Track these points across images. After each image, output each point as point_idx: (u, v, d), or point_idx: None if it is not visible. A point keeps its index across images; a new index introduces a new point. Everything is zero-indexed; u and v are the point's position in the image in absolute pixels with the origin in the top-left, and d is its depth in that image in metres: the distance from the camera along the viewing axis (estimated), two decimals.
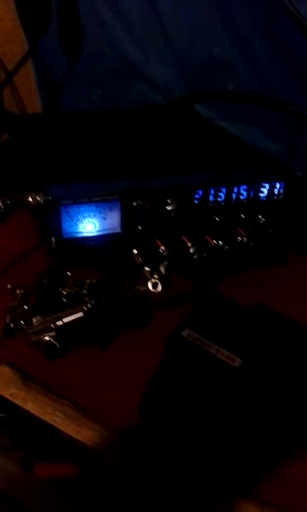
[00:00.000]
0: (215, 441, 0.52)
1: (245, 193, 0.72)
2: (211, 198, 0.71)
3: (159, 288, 0.61)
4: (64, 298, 0.61)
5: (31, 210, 0.75)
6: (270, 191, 0.74)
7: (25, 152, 0.83)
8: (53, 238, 0.65)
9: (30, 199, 0.64)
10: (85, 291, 0.61)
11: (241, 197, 0.73)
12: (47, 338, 0.57)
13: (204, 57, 0.97)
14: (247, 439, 0.52)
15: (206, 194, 0.70)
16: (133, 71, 1.05)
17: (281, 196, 0.74)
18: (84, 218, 0.65)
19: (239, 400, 0.52)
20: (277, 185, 0.73)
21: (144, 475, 0.52)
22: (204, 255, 0.68)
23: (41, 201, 0.64)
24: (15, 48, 1.04)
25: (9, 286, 0.61)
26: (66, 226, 0.64)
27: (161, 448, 0.53)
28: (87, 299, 0.59)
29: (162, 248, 0.67)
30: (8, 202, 0.63)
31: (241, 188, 0.71)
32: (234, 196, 0.72)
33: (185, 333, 0.56)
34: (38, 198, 0.64)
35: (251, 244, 0.71)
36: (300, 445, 0.54)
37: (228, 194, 0.71)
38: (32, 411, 0.56)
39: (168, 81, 1.04)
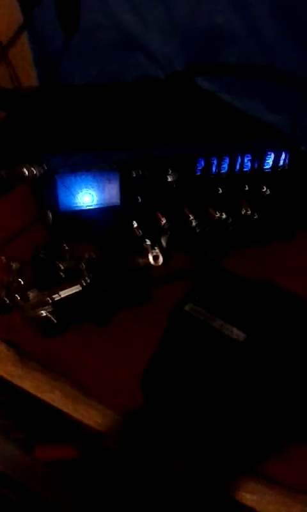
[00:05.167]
0: (219, 418, 0.50)
1: (249, 163, 0.70)
2: (214, 168, 0.68)
3: (160, 261, 0.59)
4: (62, 272, 0.59)
5: (28, 185, 0.73)
6: (275, 161, 0.71)
7: (21, 125, 0.80)
8: (49, 210, 0.63)
9: (25, 170, 0.62)
10: (83, 265, 0.59)
11: (245, 167, 0.70)
12: (43, 313, 0.55)
13: (206, 28, 0.94)
14: (252, 415, 0.50)
15: (208, 165, 0.67)
16: (132, 43, 1.01)
17: (286, 167, 0.72)
18: (81, 189, 0.62)
19: (244, 376, 0.50)
20: (283, 155, 0.71)
21: (146, 455, 0.50)
22: (207, 228, 0.66)
23: (37, 173, 0.61)
24: (9, 20, 1.01)
25: (3, 259, 0.59)
26: (63, 198, 0.62)
27: (163, 426, 0.51)
28: (85, 273, 0.57)
29: (163, 220, 0.65)
30: (3, 175, 0.62)
31: (245, 158, 0.69)
32: (238, 166, 0.69)
33: (188, 307, 0.54)
34: (33, 169, 0.62)
35: (255, 216, 0.69)
36: None
37: (232, 165, 0.69)
38: (29, 390, 0.55)
39: (168, 53, 1.00)
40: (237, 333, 0.51)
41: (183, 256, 0.69)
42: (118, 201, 0.65)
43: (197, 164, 0.67)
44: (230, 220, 0.68)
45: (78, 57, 1.05)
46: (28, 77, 1.09)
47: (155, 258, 0.60)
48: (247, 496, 0.47)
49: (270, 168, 0.72)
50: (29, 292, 0.56)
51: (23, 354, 0.57)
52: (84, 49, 1.04)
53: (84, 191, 0.63)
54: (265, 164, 0.71)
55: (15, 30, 1.01)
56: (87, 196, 0.63)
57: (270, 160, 0.71)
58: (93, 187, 0.63)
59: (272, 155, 0.71)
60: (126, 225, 0.66)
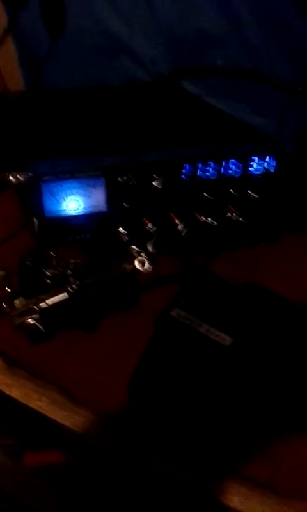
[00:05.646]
0: (205, 422, 0.50)
1: (234, 168, 0.70)
2: (199, 172, 0.68)
3: (147, 266, 0.59)
4: (48, 279, 0.59)
5: (14, 191, 0.73)
6: (261, 164, 0.71)
7: (6, 130, 0.80)
8: (35, 217, 0.63)
9: (11, 178, 0.62)
10: (70, 272, 0.59)
11: (230, 172, 0.70)
12: (30, 321, 0.55)
13: (192, 31, 0.94)
14: (237, 419, 0.51)
15: (194, 169, 0.68)
16: (118, 47, 1.01)
17: (272, 170, 0.72)
18: (67, 196, 0.62)
19: (230, 380, 0.51)
20: (268, 159, 0.71)
21: (133, 460, 0.50)
22: (191, 232, 0.66)
23: (23, 179, 0.61)
24: None
25: None
26: (49, 204, 0.62)
27: (150, 431, 0.51)
28: (72, 279, 0.57)
29: (149, 225, 0.65)
30: None
31: (230, 162, 0.69)
32: (223, 170, 0.69)
33: (174, 313, 0.54)
34: (19, 176, 0.62)
35: (241, 220, 0.69)
36: (292, 425, 0.52)
37: (217, 169, 0.69)
38: (17, 398, 0.54)
39: (154, 57, 1.00)
40: (223, 337, 0.52)
41: (170, 261, 0.69)
42: (104, 207, 0.66)
43: (183, 169, 0.67)
44: (215, 223, 0.68)
45: (64, 60, 1.04)
46: (14, 80, 1.08)
47: (142, 263, 0.60)
48: (234, 499, 0.47)
49: (256, 171, 0.72)
50: (15, 300, 0.56)
51: (11, 362, 0.57)
52: (69, 53, 1.03)
53: (70, 197, 0.63)
54: (251, 167, 0.71)
55: (0, 33, 1.01)
56: (73, 203, 0.63)
57: (255, 164, 0.71)
58: (78, 194, 0.63)
59: (258, 159, 0.71)
60: (112, 231, 0.66)
